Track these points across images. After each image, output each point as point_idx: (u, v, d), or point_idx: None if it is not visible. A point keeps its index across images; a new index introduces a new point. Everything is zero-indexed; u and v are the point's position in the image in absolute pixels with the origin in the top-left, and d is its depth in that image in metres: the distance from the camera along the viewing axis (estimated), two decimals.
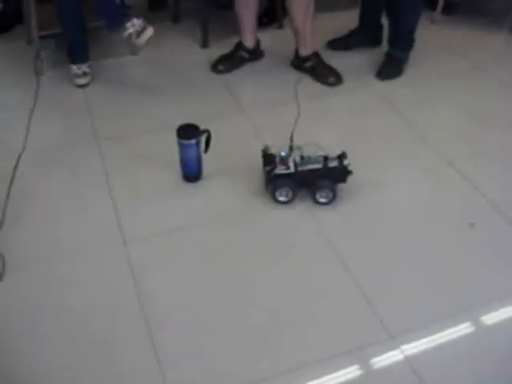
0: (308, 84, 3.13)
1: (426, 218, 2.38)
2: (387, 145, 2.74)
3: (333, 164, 2.38)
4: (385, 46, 3.30)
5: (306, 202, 2.41)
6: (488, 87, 3.17)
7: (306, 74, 3.17)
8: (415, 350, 1.90)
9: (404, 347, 1.90)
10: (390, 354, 1.89)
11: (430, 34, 3.51)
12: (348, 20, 3.42)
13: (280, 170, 2.35)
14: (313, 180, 2.38)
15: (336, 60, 3.23)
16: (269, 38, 3.35)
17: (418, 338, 1.93)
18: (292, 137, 2.42)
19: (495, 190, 2.48)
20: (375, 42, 3.42)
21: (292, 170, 2.36)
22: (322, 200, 2.40)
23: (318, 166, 2.37)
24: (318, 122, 2.85)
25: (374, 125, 2.88)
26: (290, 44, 3.19)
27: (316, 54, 3.17)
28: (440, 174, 2.59)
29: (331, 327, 1.97)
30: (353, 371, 1.85)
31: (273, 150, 2.41)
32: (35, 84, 3.11)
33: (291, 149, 2.38)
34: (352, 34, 3.43)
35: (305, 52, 3.16)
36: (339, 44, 3.41)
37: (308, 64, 3.16)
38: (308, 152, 2.38)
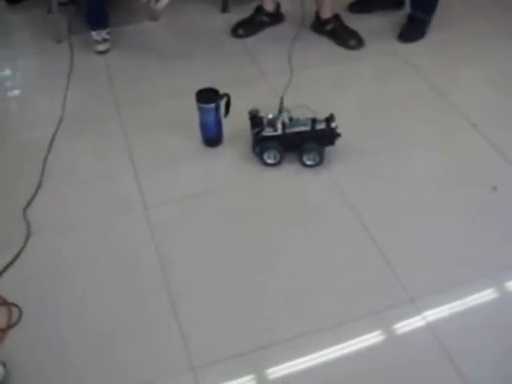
0: (329, 47, 3.10)
1: (449, 180, 2.35)
2: (410, 107, 2.71)
3: (320, 126, 2.36)
4: (407, 8, 3.23)
5: (325, 164, 2.41)
6: None
7: (326, 37, 3.13)
8: (435, 314, 1.89)
9: (424, 311, 1.89)
10: (410, 316, 1.89)
11: None
12: None
13: (267, 132, 2.34)
14: (300, 142, 2.37)
15: (357, 23, 3.18)
16: (289, 1, 3.30)
17: (438, 302, 1.92)
18: (282, 99, 2.41)
19: None
20: (397, 4, 3.35)
21: (279, 132, 2.35)
22: (308, 162, 2.39)
23: (306, 128, 2.35)
24: (338, 87, 2.83)
25: (397, 88, 2.84)
26: (310, 7, 3.15)
27: (336, 17, 3.13)
28: (463, 136, 2.55)
29: (350, 290, 1.97)
30: (372, 334, 1.86)
31: (261, 113, 2.40)
32: (56, 50, 3.12)
33: (281, 111, 2.37)
34: None
35: (325, 15, 3.12)
36: (360, 6, 3.36)
37: (328, 27, 3.12)
38: (301, 114, 2.38)
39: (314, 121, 2.37)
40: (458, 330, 1.85)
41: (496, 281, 2.00)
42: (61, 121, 2.65)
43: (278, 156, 2.38)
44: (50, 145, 2.52)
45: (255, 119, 2.40)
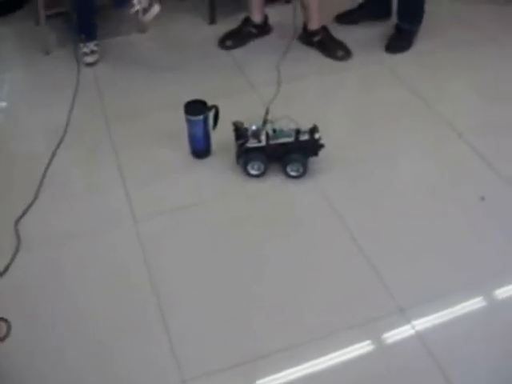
0: (316, 59, 3.11)
1: (436, 190, 2.37)
2: (396, 117, 2.73)
3: (304, 137, 2.37)
4: (394, 19, 3.26)
5: (311, 175, 2.42)
6: (499, 59, 3.13)
7: (314, 48, 3.15)
8: (424, 323, 1.90)
9: (413, 320, 1.90)
10: (399, 327, 1.89)
11: (439, 5, 3.46)
12: None
13: (251, 143, 2.36)
14: (284, 153, 2.38)
15: (344, 34, 3.20)
16: (277, 13, 3.32)
17: (427, 311, 1.93)
18: (267, 110, 2.43)
19: (505, 163, 2.46)
20: (384, 15, 3.37)
21: (263, 143, 2.36)
22: (292, 173, 2.40)
23: (290, 139, 2.37)
24: (325, 98, 2.85)
25: (384, 98, 2.86)
26: (298, 18, 3.16)
27: (324, 29, 3.15)
28: (450, 146, 2.57)
29: (339, 301, 1.97)
30: (362, 344, 1.86)
31: (246, 124, 2.41)
32: (44, 63, 3.13)
33: (265, 122, 2.38)
34: (361, 7, 3.39)
35: (313, 26, 3.14)
36: (348, 18, 3.38)
37: (316, 38, 3.14)
38: (285, 126, 2.39)
39: (297, 132, 2.38)
40: (448, 339, 1.86)
41: (484, 289, 2.01)
42: (50, 134, 2.64)
43: (262, 167, 2.39)
44: (42, 158, 2.51)
45: (239, 131, 2.41)
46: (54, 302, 1.99)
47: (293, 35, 3.17)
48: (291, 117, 2.38)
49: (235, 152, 2.42)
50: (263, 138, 2.36)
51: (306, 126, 2.40)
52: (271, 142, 2.37)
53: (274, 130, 2.38)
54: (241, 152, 2.38)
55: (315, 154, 2.41)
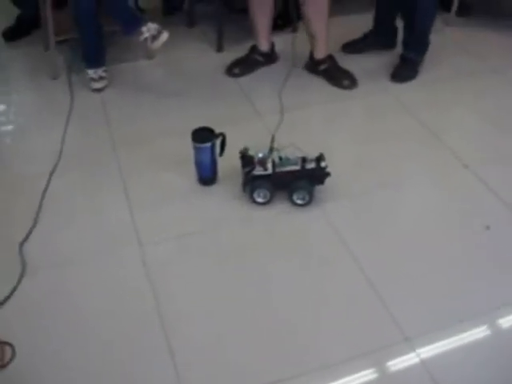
0: (323, 87, 3.14)
1: (441, 220, 2.38)
2: (401, 147, 2.74)
3: (310, 166, 2.38)
4: (399, 48, 3.29)
5: (318, 203, 2.43)
6: (504, 89, 3.15)
7: (320, 76, 3.18)
8: (430, 353, 1.89)
9: (419, 350, 1.90)
10: (405, 356, 1.89)
11: (444, 36, 3.51)
12: (362, 23, 3.42)
13: (258, 171, 2.37)
14: (290, 181, 2.39)
15: (350, 63, 3.23)
16: (283, 42, 3.36)
17: (433, 341, 1.93)
18: (273, 138, 2.45)
19: (510, 192, 2.47)
20: (390, 44, 3.41)
21: (270, 171, 2.37)
22: (298, 201, 2.41)
23: (296, 167, 2.38)
24: (330, 126, 2.87)
25: (389, 127, 2.88)
26: (304, 47, 3.20)
27: (330, 57, 3.18)
28: (455, 176, 2.58)
29: (344, 330, 1.97)
30: (367, 374, 1.86)
31: (252, 152, 2.42)
32: (52, 87, 3.15)
33: (271, 150, 2.40)
34: (366, 36, 3.43)
35: (319, 55, 3.17)
36: (354, 47, 3.42)
37: (322, 67, 3.17)
38: (291, 153, 2.41)
39: (303, 160, 2.39)
40: (453, 368, 1.86)
41: (491, 318, 2.01)
42: (58, 157, 2.66)
43: (268, 195, 2.40)
44: (47, 181, 2.53)
45: (246, 158, 2.42)
46: (59, 326, 1.99)
47: (292, 64, 3.20)
48: (297, 145, 2.40)
49: (242, 180, 2.43)
50: (269, 165, 2.37)
51: (311, 154, 2.41)
52: (277, 169, 2.38)
53: (280, 158, 2.39)
54: (247, 180, 2.40)
55: (321, 182, 2.42)
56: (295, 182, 2.39)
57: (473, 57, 3.41)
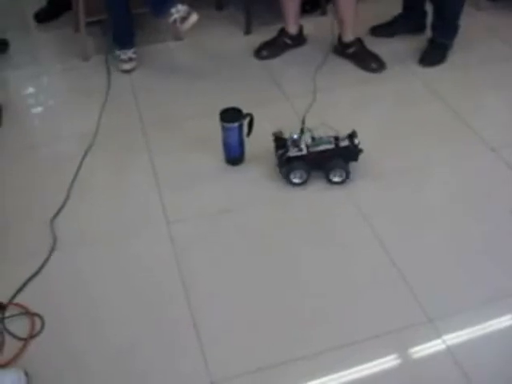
0: (351, 70, 3.14)
1: (467, 203, 2.37)
2: (429, 130, 2.73)
3: (344, 143, 2.41)
4: (428, 32, 3.27)
5: (345, 184, 2.44)
6: None
7: (348, 60, 3.18)
8: (454, 335, 1.90)
9: (443, 332, 1.90)
10: (428, 337, 1.90)
11: (474, 20, 3.47)
12: (391, 6, 3.40)
13: (293, 152, 2.38)
14: (325, 160, 2.41)
15: (379, 46, 3.22)
16: (312, 25, 3.35)
17: (456, 323, 1.93)
18: (304, 119, 2.46)
19: None
20: (419, 28, 3.39)
21: (304, 151, 2.39)
22: (335, 179, 2.43)
23: (330, 146, 2.40)
24: (359, 109, 2.87)
25: (416, 111, 2.87)
26: (333, 30, 3.20)
27: (359, 40, 3.18)
28: (482, 160, 2.57)
29: (369, 309, 1.99)
30: (390, 352, 1.87)
31: (285, 135, 2.44)
32: (83, 68, 3.21)
33: (302, 131, 2.41)
34: (395, 20, 3.41)
35: (347, 38, 3.16)
36: (382, 30, 3.40)
37: (350, 50, 3.17)
38: (323, 133, 2.44)
39: (336, 138, 2.41)
40: (478, 352, 1.86)
41: None
42: (89, 138, 2.70)
43: (304, 175, 2.41)
44: (80, 160, 2.58)
45: (279, 141, 2.44)
46: (87, 301, 2.04)
47: (330, 47, 3.21)
48: (328, 124, 2.42)
49: (276, 162, 2.45)
50: (303, 146, 2.39)
51: (342, 132, 2.43)
52: (311, 149, 2.39)
53: (313, 138, 2.41)
54: (282, 162, 2.41)
55: (355, 159, 2.44)
56: (330, 160, 2.41)
57: (503, 42, 3.37)
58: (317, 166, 2.42)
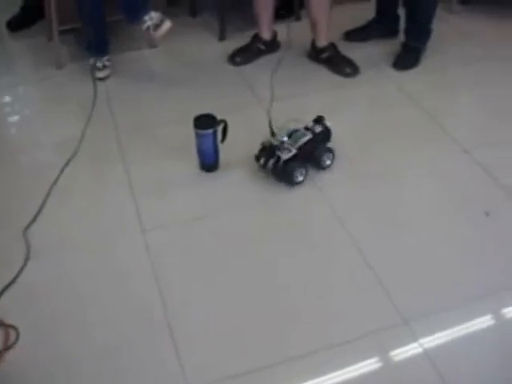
0: (325, 75, 3.15)
1: (441, 204, 2.39)
2: (402, 134, 2.75)
3: (318, 129, 2.51)
4: (401, 36, 3.30)
5: (311, 182, 2.47)
6: (506, 77, 3.14)
7: (322, 65, 3.19)
8: (428, 335, 1.91)
9: (418, 333, 1.91)
10: (404, 338, 1.90)
11: (447, 23, 3.51)
12: (364, 11, 3.43)
13: (286, 155, 2.41)
14: (311, 150, 2.47)
15: (353, 51, 3.23)
16: (286, 30, 3.36)
17: (431, 323, 1.94)
18: (270, 122, 2.50)
19: (511, 179, 2.48)
20: (392, 32, 3.41)
21: (294, 150, 2.42)
22: (328, 162, 2.52)
23: (309, 136, 2.47)
24: (334, 113, 2.87)
25: (390, 115, 2.89)
26: (306, 35, 3.21)
27: (332, 45, 3.19)
28: (456, 162, 2.59)
29: (344, 312, 1.99)
30: (366, 355, 1.87)
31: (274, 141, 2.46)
32: (57, 77, 3.19)
33: (273, 134, 2.46)
34: (368, 25, 3.43)
35: (321, 43, 3.18)
36: (356, 35, 3.42)
37: (324, 55, 3.18)
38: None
39: (307, 128, 2.50)
40: (454, 354, 1.87)
41: (490, 304, 2.02)
42: (63, 146, 2.68)
43: (304, 171, 2.46)
44: (54, 169, 2.55)
45: (269, 149, 2.45)
46: (62, 311, 2.02)
47: (287, 49, 3.26)
48: (292, 118, 2.48)
49: (271, 172, 2.45)
50: (289, 146, 2.42)
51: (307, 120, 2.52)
52: (298, 145, 2.43)
53: (290, 136, 2.44)
54: (280, 168, 2.41)
55: (329, 140, 2.55)
56: (315, 148, 2.49)
57: (475, 45, 3.40)
58: (307, 159, 2.46)
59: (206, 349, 1.89)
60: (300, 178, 2.45)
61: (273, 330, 1.94)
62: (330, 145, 2.55)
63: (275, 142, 2.44)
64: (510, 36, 3.48)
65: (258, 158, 2.47)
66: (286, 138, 2.42)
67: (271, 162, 2.42)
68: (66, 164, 2.59)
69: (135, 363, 1.86)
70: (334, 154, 2.52)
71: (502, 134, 2.75)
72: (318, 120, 2.53)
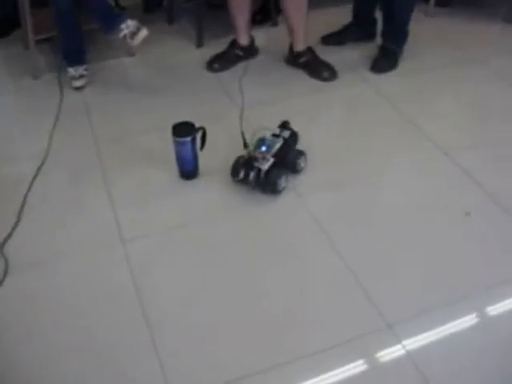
0: (303, 79, 3.15)
1: (422, 207, 2.39)
2: (382, 137, 2.76)
3: (287, 134, 2.51)
4: (379, 39, 3.31)
5: (298, 193, 2.45)
6: (483, 78, 3.18)
7: (300, 69, 3.19)
8: (413, 339, 1.91)
9: (401, 336, 1.91)
10: (387, 343, 1.90)
11: (424, 26, 3.53)
12: (341, 15, 3.44)
13: (265, 165, 2.38)
14: (285, 155, 2.47)
15: (330, 55, 3.24)
16: (263, 36, 3.37)
17: (415, 327, 1.94)
18: (243, 133, 2.47)
19: (490, 179, 2.49)
20: (369, 36, 3.43)
21: (271, 159, 2.40)
22: (302, 165, 2.52)
23: (280, 142, 2.46)
24: (312, 118, 2.88)
25: (369, 118, 2.89)
26: (284, 40, 3.21)
27: (310, 50, 3.19)
28: (436, 164, 2.60)
29: (327, 318, 1.99)
30: (350, 361, 1.87)
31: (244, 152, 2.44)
32: (33, 87, 3.16)
33: (246, 145, 2.44)
34: (346, 28, 3.44)
35: (299, 48, 3.18)
36: (333, 39, 3.43)
37: (302, 59, 3.18)
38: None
39: (275, 135, 2.49)
40: (436, 355, 1.87)
41: (472, 304, 2.03)
42: (40, 157, 2.65)
43: (285, 177, 2.44)
44: (30, 181, 2.52)
45: (246, 163, 2.41)
46: (42, 324, 1.99)
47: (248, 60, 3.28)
48: (263, 126, 2.46)
49: (255, 184, 2.41)
50: (265, 155, 2.40)
51: (273, 127, 2.52)
52: (273, 153, 2.41)
53: (263, 143, 2.44)
54: (263, 179, 2.38)
55: (297, 143, 2.56)
56: (288, 153, 2.48)
57: (452, 47, 3.43)
58: (283, 165, 2.45)
59: (190, 359, 1.87)
60: (283, 185, 2.43)
61: (256, 338, 1.93)
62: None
63: (251, 154, 2.41)
64: (487, 38, 3.52)
65: (235, 173, 2.42)
66: (264, 149, 2.41)
67: (252, 174, 2.39)
68: (42, 175, 2.56)
69: (118, 375, 1.84)
70: (305, 156, 2.52)
71: (480, 135, 2.77)
72: (284, 125, 2.54)
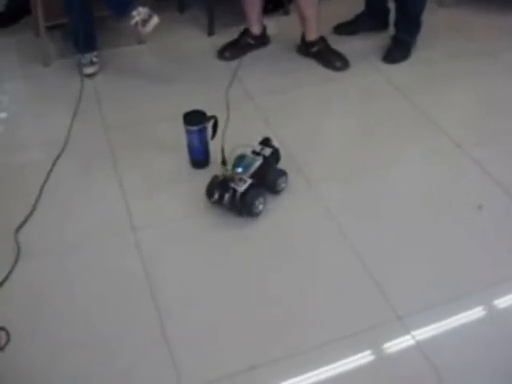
0: (315, 69, 3.14)
1: (434, 199, 2.38)
2: (394, 128, 2.74)
3: (267, 152, 2.36)
4: (391, 29, 3.29)
5: (311, 185, 2.43)
6: (496, 70, 3.15)
7: (312, 58, 3.17)
8: (423, 331, 1.90)
9: (412, 328, 1.90)
10: (398, 334, 1.90)
11: (437, 17, 3.50)
12: (354, 4, 3.41)
13: (241, 187, 2.23)
14: (264, 175, 2.32)
15: (342, 44, 3.22)
16: (275, 24, 3.35)
17: (425, 319, 1.93)
18: (223, 149, 2.32)
19: (503, 172, 2.47)
20: (382, 26, 3.40)
21: (249, 180, 2.26)
22: (283, 185, 2.37)
23: (260, 161, 2.32)
24: (324, 107, 2.86)
25: (381, 108, 2.88)
26: (296, 29, 3.20)
27: (322, 39, 3.17)
28: (448, 156, 2.58)
29: (338, 309, 1.98)
30: (360, 352, 1.86)
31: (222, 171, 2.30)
32: (44, 74, 3.15)
33: (224, 163, 2.30)
34: (358, 18, 3.42)
35: (311, 37, 3.16)
36: (345, 28, 3.41)
37: (314, 49, 3.16)
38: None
39: (255, 152, 2.35)
40: (447, 347, 1.86)
41: (483, 297, 2.02)
42: (52, 145, 2.65)
43: (262, 200, 2.29)
44: (44, 169, 2.52)
45: (221, 183, 2.26)
46: (54, 311, 1.99)
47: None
48: (242, 143, 2.34)
49: (229, 207, 2.26)
50: (242, 176, 2.26)
51: (253, 143, 2.40)
52: (250, 173, 2.28)
53: (242, 159, 2.31)
54: (238, 201, 2.23)
55: (278, 161, 2.41)
56: (268, 173, 2.34)
57: (465, 38, 3.40)
58: (261, 185, 2.31)
59: (199, 350, 1.87)
60: (260, 208, 2.29)
61: (265, 329, 1.93)
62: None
63: (226, 175, 2.26)
64: (500, 29, 3.48)
65: (210, 194, 2.28)
66: (240, 170, 2.26)
67: (227, 196, 2.23)
68: (55, 163, 2.56)
69: (128, 363, 1.84)
70: (286, 176, 2.38)
71: (493, 127, 2.74)
72: (265, 142, 2.39)
